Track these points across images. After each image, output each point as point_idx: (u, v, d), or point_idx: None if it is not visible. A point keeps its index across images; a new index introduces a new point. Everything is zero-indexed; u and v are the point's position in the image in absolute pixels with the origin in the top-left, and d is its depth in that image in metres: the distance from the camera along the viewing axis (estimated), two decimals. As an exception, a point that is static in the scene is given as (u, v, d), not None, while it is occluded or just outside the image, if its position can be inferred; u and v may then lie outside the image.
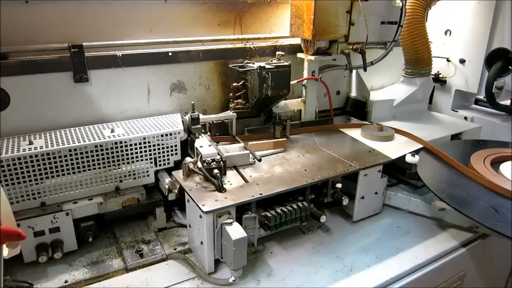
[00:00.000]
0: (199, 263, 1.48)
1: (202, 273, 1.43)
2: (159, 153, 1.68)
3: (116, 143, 1.58)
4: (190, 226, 1.54)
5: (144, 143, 1.63)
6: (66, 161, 1.50)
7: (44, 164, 1.46)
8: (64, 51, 1.67)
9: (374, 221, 1.85)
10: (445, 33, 2.79)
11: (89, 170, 1.55)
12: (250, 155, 1.71)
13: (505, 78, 2.51)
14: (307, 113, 2.23)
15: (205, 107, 2.08)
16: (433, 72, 2.73)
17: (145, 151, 1.65)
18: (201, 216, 1.37)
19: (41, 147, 1.46)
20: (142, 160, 1.65)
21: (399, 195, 1.91)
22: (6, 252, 1.00)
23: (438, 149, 1.95)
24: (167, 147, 1.69)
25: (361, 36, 2.06)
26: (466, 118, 2.72)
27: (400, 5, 2.13)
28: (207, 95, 2.07)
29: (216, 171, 1.50)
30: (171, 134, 1.68)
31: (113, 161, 1.59)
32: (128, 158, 1.62)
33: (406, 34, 2.40)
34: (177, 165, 1.71)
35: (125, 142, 1.59)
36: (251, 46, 2.13)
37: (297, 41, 2.19)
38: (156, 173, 1.71)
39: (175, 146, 1.71)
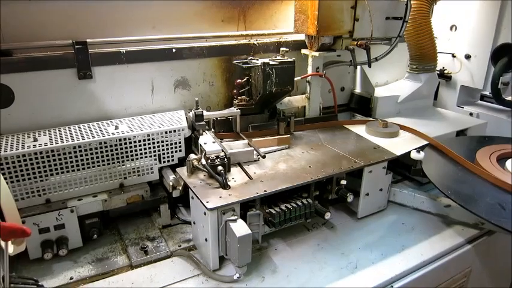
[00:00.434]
0: (204, 260, 1.48)
1: (207, 270, 1.43)
2: (163, 150, 1.68)
3: (120, 140, 1.58)
4: (194, 223, 1.53)
5: (148, 139, 1.63)
6: (71, 158, 1.50)
7: (49, 161, 1.46)
8: (68, 47, 1.67)
9: (379, 217, 1.84)
10: (451, 28, 2.77)
11: (94, 167, 1.55)
12: (255, 152, 1.70)
13: (511, 73, 2.48)
14: (311, 110, 2.22)
15: (209, 103, 2.08)
16: (438, 68, 2.71)
17: (150, 148, 1.65)
18: (205, 213, 1.36)
19: (46, 144, 1.46)
20: (146, 157, 1.65)
21: (404, 192, 1.90)
22: (11, 249, 1.01)
23: (443, 145, 1.93)
24: (171, 144, 1.69)
25: (365, 32, 2.05)
26: (471, 114, 2.70)
27: (405, 0, 2.11)
28: (211, 92, 2.07)
29: (220, 168, 1.50)
30: (175, 131, 1.67)
31: (117, 158, 1.59)
32: (132, 155, 1.62)
33: (411, 30, 2.37)
34: (181, 162, 1.71)
35: (129, 139, 1.59)
36: (255, 42, 2.12)
37: (301, 37, 2.17)
38: (160, 169, 1.71)
39: (180, 142, 1.70)
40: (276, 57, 1.95)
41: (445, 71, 2.83)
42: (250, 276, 1.43)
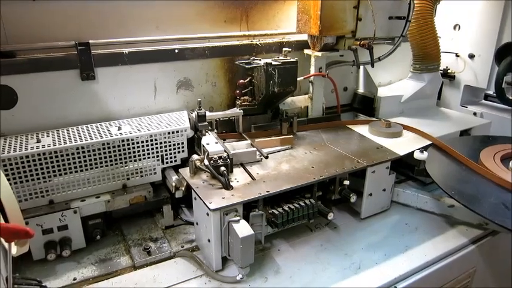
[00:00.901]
0: (207, 260, 1.48)
1: (210, 270, 1.43)
2: (166, 150, 1.68)
3: (123, 141, 1.58)
4: (197, 224, 1.53)
5: (151, 140, 1.63)
6: (74, 158, 1.50)
7: (52, 162, 1.47)
8: (71, 49, 1.67)
9: (382, 218, 1.84)
10: (454, 27, 2.76)
11: (96, 167, 1.56)
12: (257, 152, 1.70)
13: (515, 73, 2.47)
14: (314, 110, 2.21)
15: (212, 104, 2.08)
16: (441, 68, 2.70)
17: (152, 149, 1.65)
18: (208, 214, 1.36)
19: (49, 145, 1.47)
20: (149, 158, 1.65)
21: (407, 192, 1.89)
22: (14, 250, 1.01)
23: (447, 145, 1.93)
24: (174, 145, 1.69)
25: (368, 32, 2.04)
26: (475, 114, 2.69)
27: (408, -1, 2.11)
28: (214, 92, 2.06)
29: (222, 168, 1.49)
30: (177, 132, 1.67)
31: (120, 159, 1.59)
32: (135, 156, 1.62)
33: (415, 29, 2.37)
34: (184, 162, 1.71)
35: (132, 140, 1.59)
36: (257, 43, 2.12)
37: (303, 37, 2.17)
38: (163, 170, 1.71)
39: (182, 143, 1.70)
40: (278, 57, 1.95)
41: (449, 71, 2.82)
42: (253, 276, 1.43)
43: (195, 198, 1.48)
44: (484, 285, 1.86)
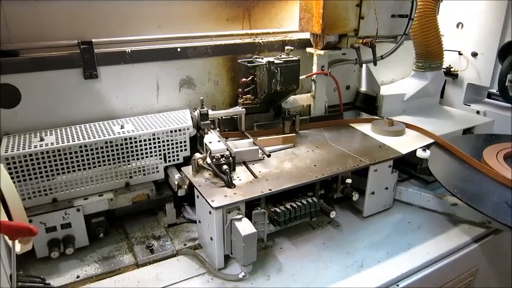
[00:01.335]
0: (209, 258, 1.48)
1: (212, 268, 1.44)
2: (168, 149, 1.68)
3: (125, 139, 1.58)
4: (200, 222, 1.54)
5: (154, 139, 1.64)
6: (77, 157, 1.51)
7: (55, 160, 1.47)
8: (73, 47, 1.67)
9: (385, 216, 1.83)
10: (457, 26, 2.75)
11: (99, 166, 1.56)
12: (260, 151, 1.70)
13: (519, 71, 2.46)
14: (316, 108, 2.21)
15: (214, 102, 2.08)
16: (444, 66, 2.69)
17: (155, 147, 1.65)
18: (210, 212, 1.37)
19: (52, 144, 1.47)
20: (152, 156, 1.66)
21: (410, 191, 1.89)
22: (18, 247, 1.02)
23: (450, 143, 1.92)
24: (176, 143, 1.69)
25: (371, 30, 2.04)
26: (478, 112, 2.68)
27: (411, -3, 2.10)
28: (216, 91, 2.07)
29: (225, 167, 1.50)
30: (180, 130, 1.68)
31: (123, 157, 1.60)
32: (137, 154, 1.63)
33: (417, 27, 2.36)
34: (187, 161, 1.72)
35: (135, 138, 1.60)
36: (260, 41, 2.11)
37: (306, 35, 2.17)
38: (166, 169, 1.71)
39: (185, 142, 1.71)
40: (280, 56, 1.94)
41: (452, 69, 2.81)
42: (256, 275, 1.43)
43: (198, 197, 1.48)
44: (486, 284, 1.86)
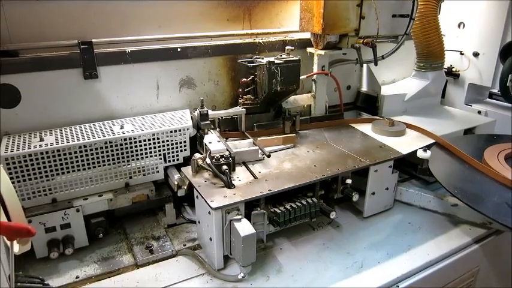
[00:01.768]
0: (209, 259, 1.48)
1: (212, 269, 1.43)
2: (168, 149, 1.68)
3: (125, 140, 1.58)
4: (199, 222, 1.54)
5: (154, 139, 1.64)
6: (77, 157, 1.51)
7: (55, 160, 1.47)
8: (73, 47, 1.68)
9: (385, 217, 1.83)
10: (459, 25, 2.74)
11: (99, 166, 1.56)
12: (259, 151, 1.70)
13: (520, 71, 2.45)
14: (317, 108, 2.21)
15: (215, 102, 2.07)
16: (445, 66, 2.68)
17: (155, 147, 1.65)
18: (209, 213, 1.36)
19: (52, 144, 1.47)
20: (151, 156, 1.66)
21: (411, 191, 1.89)
22: (17, 248, 1.02)
23: (450, 144, 1.91)
24: (176, 144, 1.69)
25: (372, 30, 2.03)
26: (479, 112, 2.67)
27: (412, -3, 2.09)
28: (216, 91, 2.06)
29: (224, 167, 1.49)
30: (180, 130, 1.68)
31: (123, 158, 1.60)
32: (137, 154, 1.62)
33: (418, 27, 2.35)
34: (186, 161, 1.71)
35: (135, 138, 1.60)
36: (260, 41, 2.11)
37: (306, 35, 2.16)
38: (166, 169, 1.71)
39: (185, 142, 1.71)
40: (281, 56, 1.94)
41: (453, 69, 2.80)
42: (255, 275, 1.43)
43: (197, 197, 1.48)
44: (487, 285, 1.85)
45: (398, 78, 2.76)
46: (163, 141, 1.66)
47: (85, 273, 1.44)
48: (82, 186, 1.55)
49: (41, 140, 1.50)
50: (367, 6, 1.99)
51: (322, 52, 2.06)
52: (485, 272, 1.78)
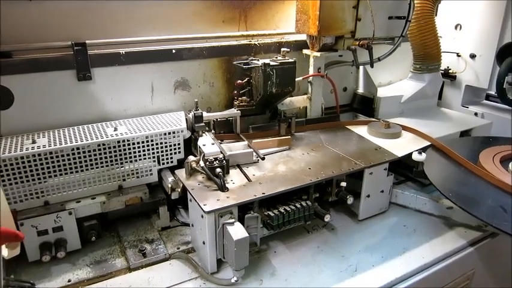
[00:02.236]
0: (202, 262, 1.47)
1: (205, 273, 1.42)
2: (162, 151, 1.67)
3: (118, 142, 1.57)
4: (193, 225, 1.53)
5: (147, 141, 1.63)
6: (69, 159, 1.50)
7: (47, 163, 1.46)
8: (67, 49, 1.66)
9: (380, 219, 1.82)
10: (455, 27, 2.73)
11: (92, 168, 1.55)
12: (254, 154, 1.69)
13: (517, 73, 2.44)
14: (313, 110, 2.20)
15: (210, 104, 2.07)
16: (442, 68, 2.68)
17: (149, 150, 1.64)
18: (202, 216, 1.36)
19: (44, 146, 1.46)
20: (145, 159, 1.65)
21: (406, 194, 1.88)
22: (5, 253, 1.01)
23: (446, 146, 1.91)
24: (170, 146, 1.68)
25: (368, 32, 2.02)
26: (476, 114, 2.67)
27: (409, -1, 2.09)
28: (211, 92, 2.05)
29: (218, 170, 1.49)
30: (174, 133, 1.67)
31: (116, 160, 1.59)
32: (131, 157, 1.61)
33: (415, 29, 2.35)
34: (181, 163, 1.70)
35: (128, 141, 1.59)
36: (256, 43, 2.10)
37: (302, 37, 2.16)
38: (160, 171, 1.70)
39: (179, 144, 1.70)
40: (276, 57, 1.93)
41: (450, 71, 2.80)
42: (249, 279, 1.42)
43: (191, 200, 1.47)
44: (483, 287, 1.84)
45: (395, 79, 2.76)
46: (157, 144, 1.65)
47: (77, 276, 1.43)
48: (75, 188, 1.53)
49: (34, 142, 1.49)
50: (363, 8, 1.98)
51: (318, 54, 2.05)
52: (481, 275, 1.78)
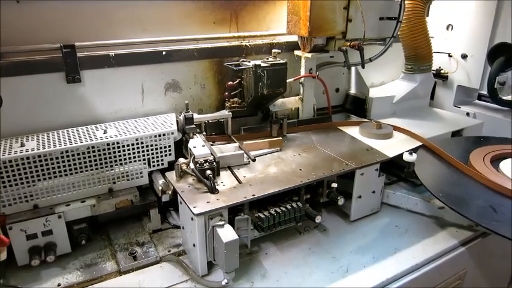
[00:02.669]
0: (193, 265, 1.46)
1: (196, 275, 1.42)
2: (152, 154, 1.66)
3: (108, 144, 1.56)
4: (183, 228, 1.52)
5: (137, 143, 1.62)
6: (59, 163, 1.49)
7: (36, 166, 1.45)
8: (56, 51, 1.65)
9: (372, 220, 1.82)
10: (447, 28, 2.75)
11: (82, 172, 1.54)
12: (245, 155, 1.69)
13: (508, 73, 2.45)
14: (304, 111, 2.20)
15: (201, 106, 2.06)
16: (434, 68, 2.69)
17: (139, 152, 1.63)
18: (192, 219, 1.35)
19: (33, 150, 1.45)
20: (135, 161, 1.64)
21: (398, 194, 1.88)
22: (-9, 258, 1.00)
23: (437, 146, 1.91)
24: (161, 148, 1.67)
25: (359, 33, 2.03)
26: (468, 114, 2.68)
27: (399, 0, 2.09)
28: (203, 94, 2.05)
29: (208, 172, 1.48)
30: (164, 135, 1.66)
31: (106, 163, 1.58)
32: (121, 159, 1.60)
33: (406, 30, 2.35)
34: (172, 165, 1.69)
35: (118, 143, 1.58)
36: (247, 44, 2.10)
37: (294, 38, 2.16)
38: (150, 174, 1.69)
39: (169, 146, 1.69)
40: (267, 59, 1.93)
41: (442, 71, 2.81)
42: (240, 281, 1.42)
43: (181, 202, 1.46)
44: (475, 287, 1.85)
45: (387, 80, 2.76)
46: (147, 146, 1.64)
47: (67, 280, 1.42)
48: (64, 192, 1.52)
49: (22, 145, 1.48)
50: (353, 9, 1.99)
51: (309, 55, 2.06)
52: (472, 275, 1.78)
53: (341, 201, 1.65)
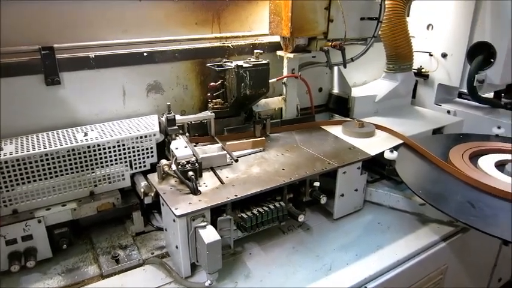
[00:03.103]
0: (176, 267, 1.46)
1: (179, 277, 1.41)
2: (134, 156, 1.65)
3: (89, 147, 1.54)
4: (166, 230, 1.51)
5: (119, 146, 1.60)
6: (38, 166, 1.46)
7: (15, 170, 1.42)
8: (34, 53, 1.62)
9: (355, 218, 1.84)
10: (427, 27, 2.78)
11: (62, 175, 1.52)
12: (228, 156, 1.69)
13: (486, 71, 2.50)
14: (288, 111, 2.21)
15: (184, 107, 2.05)
16: (415, 67, 2.73)
17: (120, 154, 1.61)
18: (174, 220, 1.34)
19: (11, 153, 1.42)
20: (117, 163, 1.62)
21: (380, 192, 1.91)
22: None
23: (417, 144, 1.94)
24: (143, 150, 1.66)
25: (340, 33, 2.05)
26: (449, 112, 2.72)
27: (379, 0, 2.12)
28: (185, 95, 2.04)
29: (190, 173, 1.48)
30: (146, 136, 1.65)
31: (87, 166, 1.56)
32: (102, 162, 1.59)
33: (387, 30, 2.39)
34: (154, 167, 1.68)
35: (99, 145, 1.56)
36: (229, 45, 2.10)
37: (276, 38, 2.16)
38: (132, 176, 1.68)
39: (151, 148, 1.67)
40: (250, 59, 1.93)
41: (423, 70, 2.85)
42: (223, 282, 1.42)
43: (163, 204, 1.46)
44: (456, 282, 1.88)
45: (370, 79, 2.79)
46: (129, 148, 1.63)
47: (48, 286, 1.40)
48: (44, 196, 1.50)
49: (0, 149, 1.45)
50: (335, 10, 2.01)
51: (292, 55, 2.07)
52: (454, 270, 1.81)
53: (323, 199, 1.66)
